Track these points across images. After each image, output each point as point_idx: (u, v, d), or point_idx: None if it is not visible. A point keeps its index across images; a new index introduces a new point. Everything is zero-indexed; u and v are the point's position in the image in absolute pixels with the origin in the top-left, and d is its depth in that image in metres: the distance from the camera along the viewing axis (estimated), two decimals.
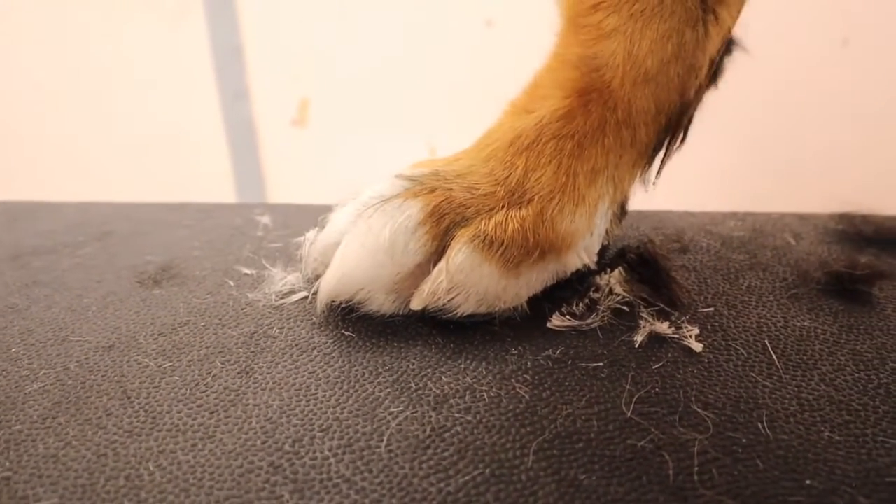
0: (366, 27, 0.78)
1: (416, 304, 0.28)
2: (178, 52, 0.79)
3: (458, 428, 0.23)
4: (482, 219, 0.29)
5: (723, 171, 0.81)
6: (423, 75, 0.78)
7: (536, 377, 0.26)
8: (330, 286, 0.29)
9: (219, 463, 0.22)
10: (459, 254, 0.28)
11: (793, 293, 0.31)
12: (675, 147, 0.33)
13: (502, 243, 0.28)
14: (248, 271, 0.33)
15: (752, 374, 0.26)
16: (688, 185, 0.75)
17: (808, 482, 0.21)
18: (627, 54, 0.30)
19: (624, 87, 0.30)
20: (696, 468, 0.22)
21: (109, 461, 0.23)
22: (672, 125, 0.32)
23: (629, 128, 0.30)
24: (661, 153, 0.33)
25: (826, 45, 0.88)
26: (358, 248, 0.28)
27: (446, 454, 0.22)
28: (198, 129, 0.81)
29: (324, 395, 0.25)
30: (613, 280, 0.30)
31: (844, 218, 0.37)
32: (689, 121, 0.34)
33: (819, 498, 0.21)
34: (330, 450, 0.23)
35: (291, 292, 0.31)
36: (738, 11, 0.31)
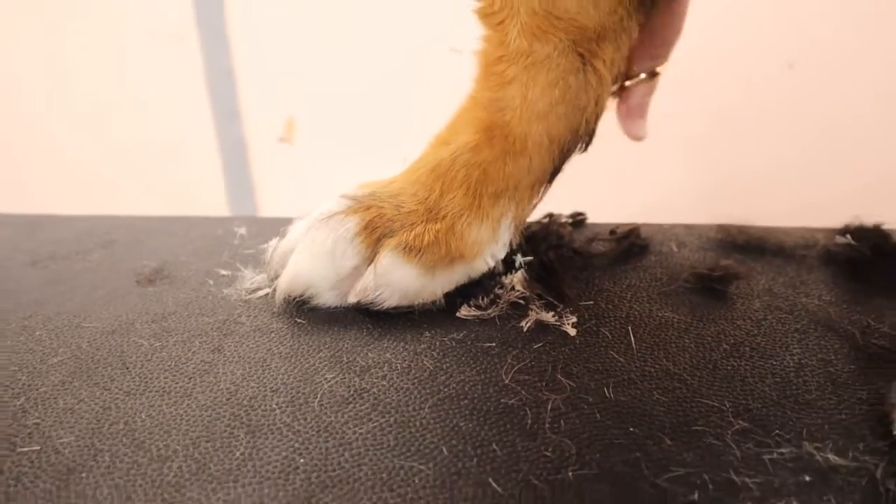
0: (347, 53, 0.86)
1: (352, 298, 0.36)
2: (174, 74, 0.86)
3: (375, 390, 0.31)
4: (405, 231, 0.36)
5: (672, 185, 0.88)
6: (399, 97, 0.85)
7: (441, 353, 0.33)
8: (285, 284, 0.36)
9: (194, 414, 0.30)
10: (385, 258, 0.35)
11: (662, 290, 0.39)
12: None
13: (420, 250, 0.36)
14: (224, 272, 0.41)
15: (611, 352, 0.34)
16: (641, 197, 0.83)
17: (631, 429, 0.29)
18: (523, 97, 0.37)
19: (521, 124, 0.38)
20: (549, 420, 0.29)
21: (112, 413, 0.30)
22: (565, 153, 0.39)
23: (525, 157, 0.38)
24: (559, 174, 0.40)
25: (773, 68, 0.96)
26: (307, 254, 0.36)
27: (363, 408, 0.30)
28: (193, 146, 0.88)
29: (276, 366, 0.33)
30: (516, 280, 0.38)
31: (723, 228, 0.45)
32: (591, 138, 0.41)
33: (637, 439, 0.28)
34: (277, 405, 0.30)
35: (258, 289, 0.39)
36: (613, 62, 0.39)
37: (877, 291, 0.39)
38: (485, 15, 0.38)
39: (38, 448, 0.29)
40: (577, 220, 0.46)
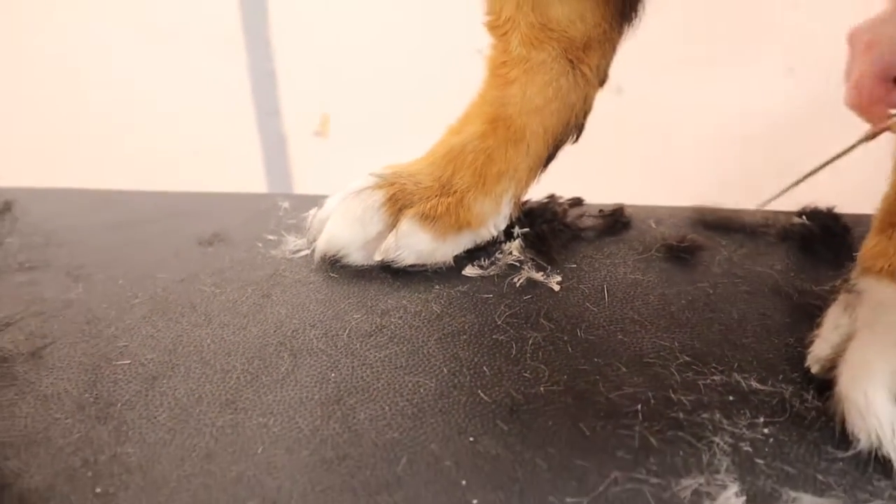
0: (377, 55, 0.93)
1: (377, 257, 0.43)
2: (221, 76, 0.94)
3: (392, 327, 0.38)
4: (422, 203, 0.43)
5: (678, 175, 0.94)
6: (425, 95, 0.92)
7: (447, 301, 0.41)
8: (322, 245, 0.44)
9: (248, 341, 0.37)
10: (405, 225, 0.42)
11: (637, 258, 0.46)
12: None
13: (434, 219, 0.43)
14: (271, 237, 0.48)
15: (587, 303, 0.40)
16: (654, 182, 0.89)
17: (595, 359, 0.36)
18: (522, 95, 0.45)
19: (521, 117, 0.45)
20: (529, 351, 0.36)
21: (184, 339, 0.38)
22: (558, 142, 0.46)
23: (524, 144, 0.45)
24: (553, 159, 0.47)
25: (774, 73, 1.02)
26: (340, 221, 0.43)
27: (382, 340, 0.37)
28: (237, 140, 0.96)
29: (313, 308, 0.40)
30: (513, 246, 0.45)
31: (697, 209, 0.51)
32: (580, 132, 0.48)
33: (598, 366, 0.35)
34: (314, 336, 0.38)
35: (299, 250, 0.46)
36: (599, 66, 0.46)
37: (822, 263, 0.45)
38: (492, 27, 0.45)
39: (129, 362, 0.36)
40: (574, 202, 0.52)
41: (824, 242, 0.47)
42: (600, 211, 0.51)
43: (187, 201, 0.56)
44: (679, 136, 0.98)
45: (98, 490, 0.28)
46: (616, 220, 0.50)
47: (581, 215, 0.50)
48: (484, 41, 0.48)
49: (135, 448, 0.31)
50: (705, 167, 0.98)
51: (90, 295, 0.43)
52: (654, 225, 0.50)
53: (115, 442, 0.31)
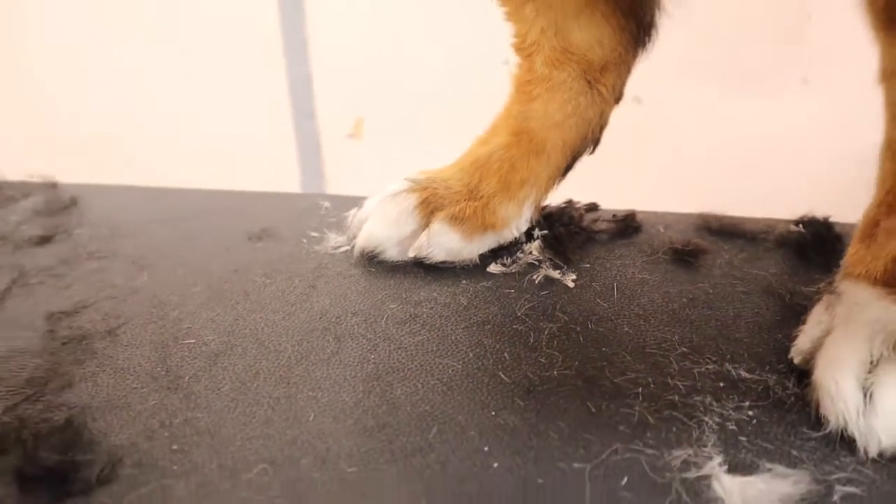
0: (409, 62, 0.98)
1: (410, 254, 0.48)
2: (260, 80, 0.99)
3: (424, 316, 0.43)
4: (452, 206, 0.48)
5: (693, 183, 0.98)
6: (455, 101, 0.97)
7: (473, 294, 0.45)
8: (361, 242, 0.49)
9: (297, 326, 0.42)
10: (436, 225, 0.47)
11: (645, 260, 0.50)
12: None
13: (462, 221, 0.48)
14: (314, 234, 0.53)
15: (598, 299, 0.45)
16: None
17: (602, 349, 0.40)
18: (544, 111, 0.49)
19: (542, 131, 0.49)
20: (545, 339, 0.41)
21: (240, 323, 0.43)
22: (576, 154, 0.51)
23: (545, 155, 0.49)
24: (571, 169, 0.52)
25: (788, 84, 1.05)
26: (378, 221, 0.48)
27: (415, 327, 0.42)
28: (275, 141, 1.01)
29: (354, 298, 0.45)
30: (533, 246, 0.50)
31: (702, 216, 0.56)
32: (596, 144, 0.53)
33: (605, 355, 0.40)
34: (355, 322, 0.42)
35: (340, 247, 0.51)
36: (614, 86, 0.50)
37: (813, 267, 0.49)
38: (519, 48, 0.50)
39: (193, 341, 0.41)
40: (590, 207, 0.57)
41: (816, 249, 0.51)
42: (613, 216, 0.55)
43: (236, 199, 0.61)
44: (695, 144, 1.01)
45: (174, 447, 0.33)
46: (627, 225, 0.54)
47: (596, 219, 0.55)
48: (510, 53, 0.53)
49: (203, 413, 0.36)
50: (720, 176, 1.02)
51: (154, 282, 0.48)
52: (662, 230, 0.54)
53: (186, 408, 0.36)
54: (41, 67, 1.02)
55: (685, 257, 0.50)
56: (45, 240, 0.53)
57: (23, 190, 0.62)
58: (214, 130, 1.03)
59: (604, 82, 0.49)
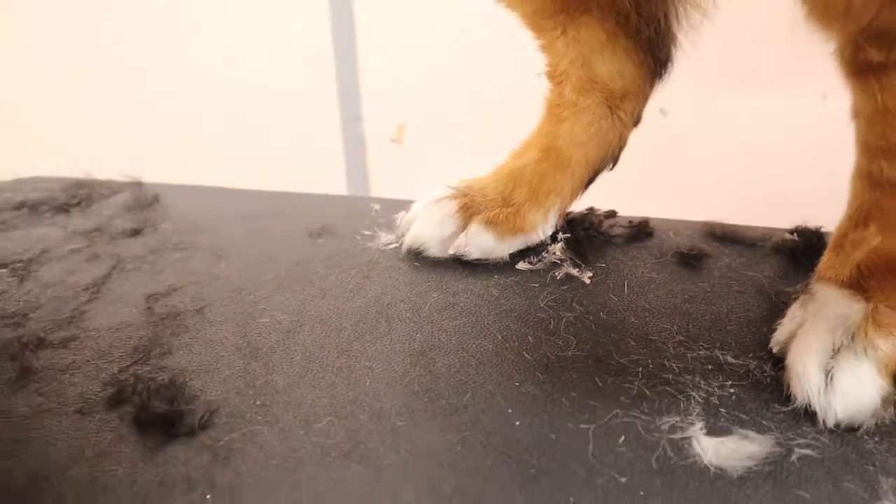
0: (449, 73, 1.05)
1: (450, 251, 0.55)
2: (312, 87, 1.08)
3: (461, 304, 0.51)
4: (487, 211, 0.56)
5: (714, 193, 1.04)
6: (491, 110, 1.05)
7: (503, 287, 0.53)
8: (409, 241, 0.56)
9: (355, 310, 0.50)
10: (473, 228, 0.55)
11: (654, 261, 0.57)
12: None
13: (496, 224, 0.55)
14: (367, 232, 0.61)
15: (610, 294, 0.52)
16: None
17: (612, 335, 0.48)
18: (571, 132, 0.56)
19: (568, 149, 0.57)
20: (563, 326, 0.48)
21: (306, 307, 0.51)
22: (597, 170, 0.58)
23: (570, 170, 0.57)
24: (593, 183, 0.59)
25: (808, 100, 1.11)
26: (423, 223, 0.56)
27: (453, 313, 0.50)
28: (324, 144, 1.10)
29: (402, 288, 0.53)
30: (556, 248, 0.57)
31: (708, 224, 0.62)
32: (615, 162, 0.60)
33: (613, 340, 0.47)
34: (404, 308, 0.50)
35: (390, 244, 0.59)
36: (633, 112, 0.57)
37: (802, 272, 0.56)
38: (550, 76, 0.57)
39: (268, 320, 0.49)
40: (609, 214, 0.64)
41: (807, 255, 0.57)
42: (629, 222, 0.63)
43: (298, 200, 0.69)
44: (717, 156, 1.08)
45: (258, 403, 0.41)
46: (641, 231, 0.61)
47: (613, 225, 0.62)
48: (542, 66, 0.59)
49: (279, 377, 0.44)
50: (740, 187, 1.08)
51: (231, 270, 0.56)
52: (672, 235, 0.61)
53: (266, 373, 0.44)
54: (124, 78, 1.11)
55: (689, 260, 0.57)
56: (135, 232, 0.62)
57: (112, 188, 0.70)
58: (269, 132, 1.11)
59: (623, 108, 0.56)
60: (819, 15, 0.39)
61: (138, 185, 0.71)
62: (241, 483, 0.36)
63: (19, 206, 0.65)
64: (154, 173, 0.73)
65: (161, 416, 0.40)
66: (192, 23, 1.07)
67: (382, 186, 1.13)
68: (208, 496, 0.35)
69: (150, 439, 0.39)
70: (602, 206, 0.65)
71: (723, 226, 0.62)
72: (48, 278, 0.54)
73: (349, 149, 1.10)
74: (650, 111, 0.79)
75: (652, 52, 0.55)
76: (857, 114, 0.44)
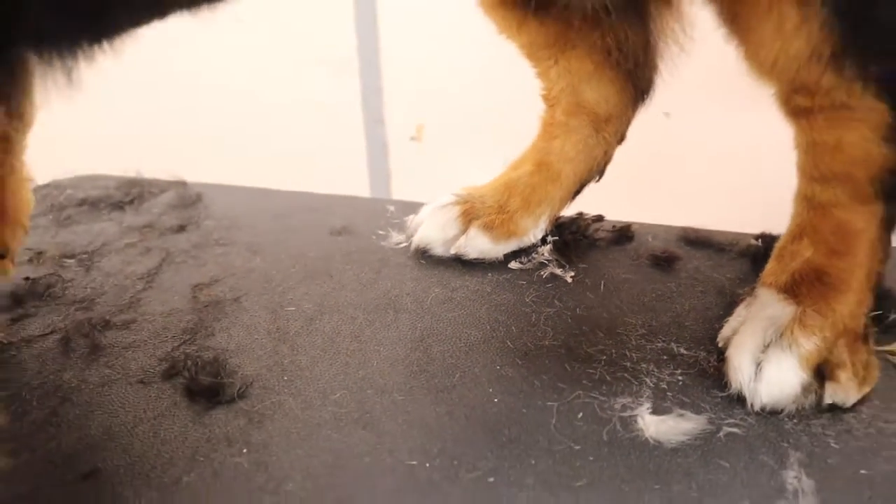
0: (466, 75, 1.13)
1: (452, 251, 0.64)
2: (338, 91, 1.16)
3: (458, 297, 0.59)
4: (485, 217, 0.64)
5: (717, 195, 1.11)
6: (502, 111, 1.12)
7: (496, 283, 0.61)
8: (416, 241, 0.65)
9: (367, 301, 0.59)
10: (472, 231, 0.63)
11: (631, 263, 0.65)
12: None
13: (492, 228, 0.63)
14: (381, 232, 0.70)
15: (587, 292, 0.60)
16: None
17: (583, 327, 0.56)
18: (561, 148, 0.64)
19: (558, 164, 0.64)
20: (543, 318, 0.56)
21: (327, 297, 0.59)
22: (584, 182, 0.66)
23: (559, 182, 0.65)
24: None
25: None
26: (429, 226, 0.64)
27: (451, 305, 0.58)
28: (347, 144, 1.18)
29: (409, 283, 0.61)
30: (545, 250, 0.65)
31: (683, 230, 0.70)
32: (601, 175, 0.68)
33: (584, 331, 0.55)
34: (409, 301, 0.59)
35: (400, 243, 0.68)
36: (616, 132, 0.65)
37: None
38: (545, 99, 0.65)
39: (294, 309, 0.58)
40: (596, 219, 0.72)
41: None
42: (613, 226, 0.70)
43: (323, 200, 0.78)
44: (720, 158, 1.14)
45: (285, 378, 0.50)
46: (622, 234, 0.69)
47: (598, 229, 0.70)
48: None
49: (303, 357, 0.52)
50: (742, 189, 1.14)
51: (265, 264, 0.65)
52: (650, 239, 0.69)
53: (292, 353, 0.53)
54: (167, 87, 1.20)
55: (661, 262, 0.65)
56: (181, 228, 0.71)
57: (160, 186, 0.79)
58: (293, 136, 1.20)
59: (608, 129, 0.64)
60: (754, 70, 0.47)
61: (183, 184, 0.80)
62: (270, 442, 0.45)
63: (81, 203, 0.74)
64: (195, 172, 0.82)
65: (207, 387, 0.49)
66: (227, 39, 1.15)
67: (404, 182, 1.21)
68: (244, 451, 0.44)
69: (198, 405, 0.48)
70: (608, 206, 0.73)
71: (696, 231, 0.70)
72: (109, 268, 0.64)
73: (372, 149, 1.19)
74: (654, 114, 0.86)
75: (633, 81, 0.63)
76: (796, 145, 0.52)
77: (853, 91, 0.44)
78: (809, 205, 0.51)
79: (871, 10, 0.41)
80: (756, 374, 0.48)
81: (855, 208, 0.49)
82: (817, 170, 0.50)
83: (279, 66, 1.17)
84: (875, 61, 0.43)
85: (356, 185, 1.21)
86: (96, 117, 1.05)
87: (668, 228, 0.72)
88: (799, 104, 0.47)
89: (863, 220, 0.49)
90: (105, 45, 0.34)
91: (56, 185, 0.79)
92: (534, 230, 0.65)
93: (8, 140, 0.48)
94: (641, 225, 0.72)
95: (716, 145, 1.13)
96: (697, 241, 0.69)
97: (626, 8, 0.56)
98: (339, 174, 1.17)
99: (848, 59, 0.42)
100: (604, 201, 0.72)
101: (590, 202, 0.72)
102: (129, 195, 0.76)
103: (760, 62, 0.46)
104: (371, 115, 1.17)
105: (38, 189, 0.74)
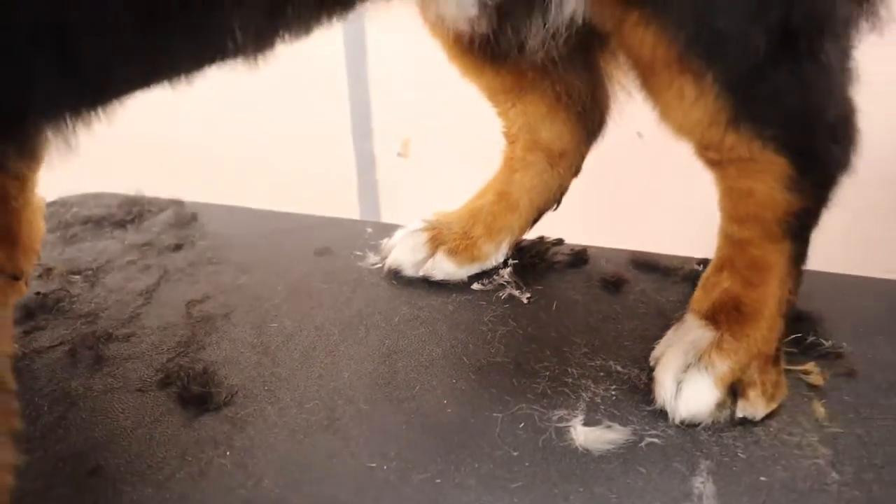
0: (450, 93, 1.20)
1: (420, 273, 0.70)
2: (329, 109, 1.23)
3: (424, 316, 0.66)
4: (451, 243, 0.70)
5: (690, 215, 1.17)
6: (483, 127, 1.18)
7: (458, 303, 0.68)
8: (389, 263, 0.71)
9: (342, 318, 0.65)
10: (438, 255, 0.70)
11: (583, 285, 0.72)
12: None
13: (457, 253, 0.70)
14: (359, 253, 0.77)
15: (540, 312, 0.67)
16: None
17: (532, 345, 0.63)
18: (520, 181, 0.71)
19: (518, 194, 0.71)
20: (497, 338, 0.63)
21: (306, 314, 0.66)
22: (541, 211, 0.73)
23: (518, 211, 0.71)
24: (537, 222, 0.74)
25: None
26: (401, 249, 0.71)
27: (416, 323, 0.65)
28: (337, 159, 1.25)
29: (381, 302, 0.68)
30: (505, 272, 0.72)
31: (633, 254, 0.77)
32: (558, 204, 0.75)
33: (534, 349, 0.62)
34: (379, 318, 0.65)
35: (376, 264, 0.74)
36: (570, 166, 0.72)
37: None
38: (506, 136, 0.72)
39: (277, 325, 0.65)
40: (556, 242, 0.79)
41: None
42: (571, 250, 0.77)
43: (308, 221, 0.85)
44: (692, 179, 1.20)
45: (266, 388, 0.57)
46: (578, 258, 0.76)
47: (556, 252, 0.76)
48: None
49: (283, 369, 0.59)
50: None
51: (252, 282, 0.72)
52: (603, 262, 0.76)
53: (273, 366, 0.60)
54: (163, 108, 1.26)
55: (610, 285, 0.72)
56: (178, 247, 0.78)
57: (159, 205, 0.86)
58: (284, 151, 1.27)
59: (562, 164, 0.71)
60: (669, 129, 0.54)
61: (180, 203, 0.87)
62: (250, 445, 0.52)
63: (86, 221, 0.81)
64: (192, 190, 0.89)
65: (197, 395, 0.56)
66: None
67: (391, 195, 1.28)
68: (228, 452, 0.51)
69: (189, 412, 0.55)
70: (582, 227, 0.79)
71: (646, 254, 0.77)
72: (112, 285, 0.70)
73: (360, 162, 1.26)
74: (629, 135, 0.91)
75: (583, 122, 0.70)
76: (717, 189, 0.58)
77: (754, 149, 0.50)
78: (729, 241, 0.58)
79: (756, 86, 0.48)
80: (677, 391, 0.55)
81: (766, 246, 0.55)
82: (734, 211, 0.56)
83: (272, 87, 1.24)
84: (768, 126, 0.49)
85: (346, 197, 1.27)
86: (101, 136, 1.11)
87: (620, 252, 0.78)
88: (711, 157, 0.54)
89: (773, 257, 0.56)
90: (101, 112, 0.40)
91: (63, 203, 0.86)
92: (495, 255, 0.72)
93: (24, 178, 0.55)
94: (598, 248, 0.79)
95: (690, 166, 1.20)
96: (646, 264, 0.76)
97: (573, 59, 0.63)
98: (330, 188, 1.24)
99: (742, 124, 0.49)
100: (577, 224, 0.78)
101: (574, 224, 0.78)
102: (130, 214, 0.83)
103: (671, 124, 0.52)
104: (360, 129, 1.24)
105: (47, 206, 0.81)
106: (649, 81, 0.51)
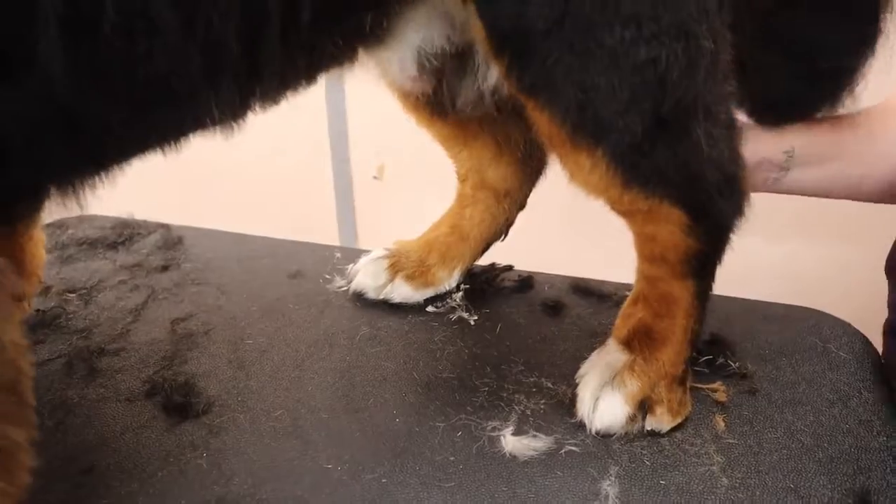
0: None
1: (380, 296, 0.78)
2: (307, 134, 1.32)
3: (382, 335, 0.74)
4: (408, 269, 0.79)
5: None
6: None
7: (413, 324, 0.76)
8: (353, 286, 0.80)
9: (309, 337, 0.73)
10: (397, 281, 0.78)
11: (526, 309, 0.80)
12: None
13: (414, 279, 0.78)
14: (328, 276, 0.85)
15: (485, 333, 0.75)
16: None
17: (476, 363, 0.71)
18: (470, 216, 0.79)
19: (469, 227, 0.79)
20: (445, 356, 0.71)
21: (278, 333, 0.74)
22: (490, 242, 0.82)
23: (469, 242, 0.80)
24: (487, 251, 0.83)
25: None
26: (364, 275, 0.79)
27: (375, 342, 0.73)
28: (317, 182, 1.34)
29: (344, 322, 0.76)
30: (457, 296, 0.80)
31: (574, 280, 0.85)
32: (505, 235, 0.83)
33: (477, 367, 0.70)
34: (342, 338, 0.73)
35: (342, 287, 0.83)
36: (514, 202, 0.80)
37: None
38: (457, 175, 0.81)
39: (251, 342, 0.73)
40: (506, 268, 0.87)
41: None
42: (518, 276, 0.86)
43: (282, 246, 0.93)
44: None
45: (240, 399, 0.65)
46: (525, 283, 0.84)
47: (505, 279, 0.85)
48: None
49: (254, 382, 0.67)
50: None
51: (230, 303, 0.80)
52: (546, 288, 0.85)
53: (246, 379, 0.68)
54: None
55: (550, 309, 0.80)
56: (164, 268, 0.85)
57: (148, 228, 0.94)
58: (265, 176, 1.35)
59: (507, 201, 0.80)
60: (578, 188, 0.62)
61: (167, 227, 0.95)
62: (224, 448, 0.60)
63: (81, 243, 0.89)
64: (179, 214, 0.97)
65: (179, 404, 0.64)
66: None
67: (367, 216, 1.37)
68: (204, 455, 0.59)
69: (172, 419, 0.63)
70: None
71: (585, 281, 0.85)
72: (104, 303, 0.78)
73: (339, 186, 1.34)
74: None
75: (526, 164, 0.78)
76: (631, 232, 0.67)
77: (652, 204, 0.59)
78: (642, 277, 0.67)
79: (640, 159, 0.56)
80: (594, 406, 0.63)
81: (673, 283, 0.64)
82: (644, 252, 0.65)
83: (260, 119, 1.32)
84: (658, 187, 0.58)
85: (325, 218, 1.36)
86: None
87: (564, 279, 0.87)
88: (618, 209, 0.62)
89: (679, 292, 0.64)
90: (105, 174, 0.49)
91: (60, 224, 0.94)
92: (448, 280, 0.80)
93: (30, 219, 0.63)
94: (544, 275, 0.87)
95: None
96: (584, 290, 0.84)
97: (511, 112, 0.71)
98: (310, 210, 1.32)
99: (636, 187, 0.57)
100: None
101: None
102: (121, 236, 0.91)
103: (578, 185, 0.61)
104: (337, 155, 1.32)
105: (45, 227, 0.89)
106: (554, 152, 0.59)
